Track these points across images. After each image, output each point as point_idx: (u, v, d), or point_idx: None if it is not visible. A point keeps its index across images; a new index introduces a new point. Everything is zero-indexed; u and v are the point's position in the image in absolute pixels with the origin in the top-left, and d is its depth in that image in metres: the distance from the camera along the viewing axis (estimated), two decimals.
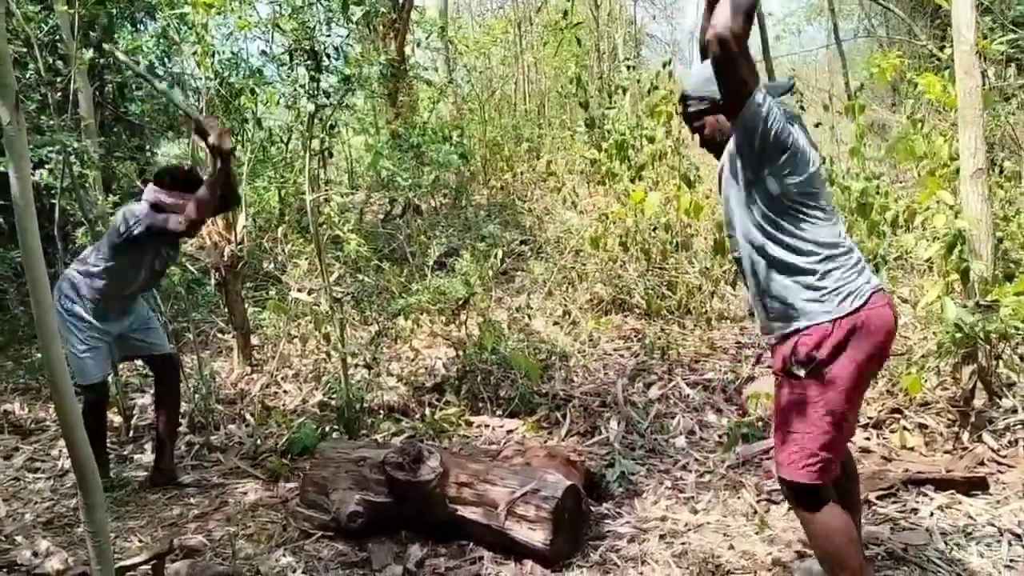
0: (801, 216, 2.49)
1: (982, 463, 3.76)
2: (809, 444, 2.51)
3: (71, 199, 5.02)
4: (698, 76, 2.69)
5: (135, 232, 3.97)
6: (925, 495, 3.59)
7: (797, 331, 2.50)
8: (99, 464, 3.88)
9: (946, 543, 3.20)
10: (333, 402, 5.13)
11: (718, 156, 2.72)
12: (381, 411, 5.00)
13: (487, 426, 4.81)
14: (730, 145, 2.55)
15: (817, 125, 7.83)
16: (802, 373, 2.48)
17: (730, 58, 2.33)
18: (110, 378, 4.46)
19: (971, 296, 4.12)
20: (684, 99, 2.74)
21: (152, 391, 5.64)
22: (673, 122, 6.95)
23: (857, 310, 2.45)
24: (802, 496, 2.59)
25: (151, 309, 4.60)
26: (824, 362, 2.46)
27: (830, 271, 2.48)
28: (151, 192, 4.08)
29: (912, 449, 4.03)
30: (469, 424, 4.84)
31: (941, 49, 7.20)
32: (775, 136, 2.40)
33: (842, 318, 2.45)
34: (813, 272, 2.48)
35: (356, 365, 5.44)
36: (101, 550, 2.86)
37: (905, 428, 4.17)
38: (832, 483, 2.61)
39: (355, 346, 5.53)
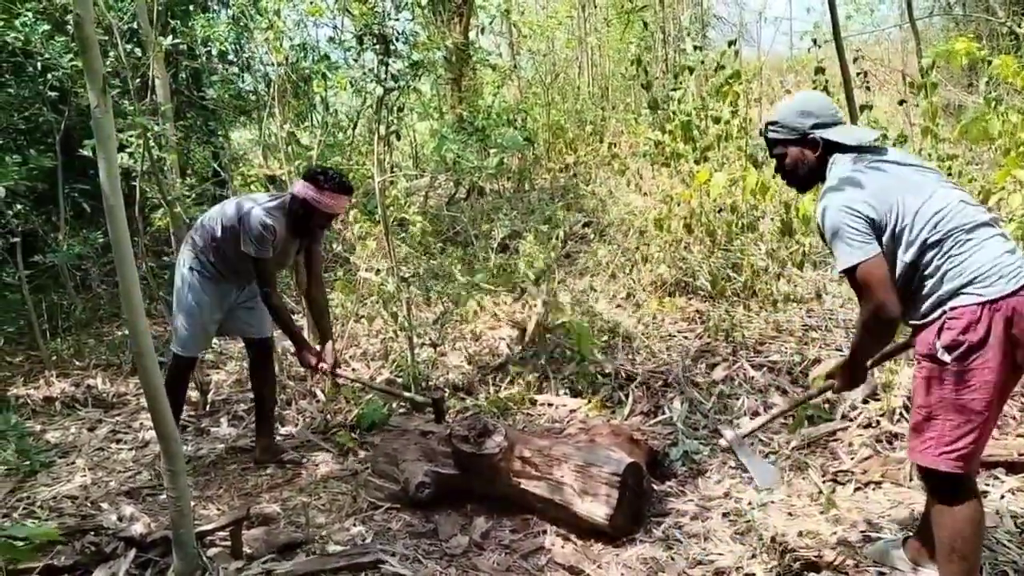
0: None
1: None
2: (950, 432, 2.43)
3: (150, 182, 5.19)
4: (789, 105, 2.69)
5: (250, 252, 4.02)
6: (996, 478, 3.54)
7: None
8: None
9: (1016, 525, 3.15)
10: (400, 380, 5.24)
11: (797, 188, 2.76)
12: (446, 389, 5.09)
13: (550, 405, 4.86)
14: None
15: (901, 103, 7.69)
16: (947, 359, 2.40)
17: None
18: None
19: None
20: (770, 124, 2.74)
21: (222, 368, 5.87)
22: (739, 102, 6.86)
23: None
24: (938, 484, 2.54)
25: None
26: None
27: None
28: (302, 188, 4.04)
29: None
30: (533, 403, 4.90)
31: (1020, 26, 6.98)
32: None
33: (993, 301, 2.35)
34: None
35: (422, 344, 5.54)
36: (182, 514, 3.01)
37: None
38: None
39: (421, 325, 5.62)
